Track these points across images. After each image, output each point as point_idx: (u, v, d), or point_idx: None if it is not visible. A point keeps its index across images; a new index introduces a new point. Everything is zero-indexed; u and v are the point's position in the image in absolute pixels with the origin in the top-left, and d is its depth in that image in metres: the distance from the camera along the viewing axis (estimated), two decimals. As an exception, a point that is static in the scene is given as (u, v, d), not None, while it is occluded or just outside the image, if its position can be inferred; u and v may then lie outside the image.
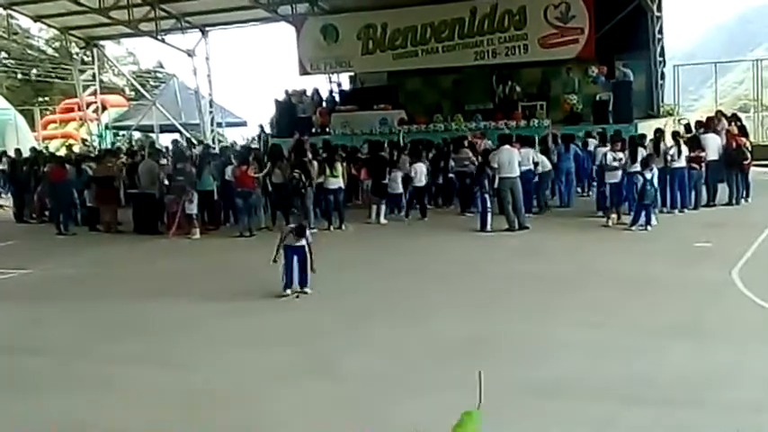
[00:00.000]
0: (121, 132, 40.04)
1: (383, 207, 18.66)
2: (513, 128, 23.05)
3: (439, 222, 18.14)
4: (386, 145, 21.72)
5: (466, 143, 20.13)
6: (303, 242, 11.39)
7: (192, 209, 17.78)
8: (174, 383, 8.08)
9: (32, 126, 40.83)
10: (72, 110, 39.64)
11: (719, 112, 22.44)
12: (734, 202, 18.13)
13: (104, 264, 15.68)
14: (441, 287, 11.93)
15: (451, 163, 19.83)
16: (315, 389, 7.71)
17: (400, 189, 18.87)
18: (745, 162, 18.34)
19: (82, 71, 35.22)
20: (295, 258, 11.42)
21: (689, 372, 7.63)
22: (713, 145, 18.28)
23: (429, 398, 7.28)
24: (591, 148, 19.90)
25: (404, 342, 9.14)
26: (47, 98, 52.18)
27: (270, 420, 6.99)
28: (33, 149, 27.01)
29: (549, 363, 8.10)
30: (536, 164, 18.08)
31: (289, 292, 11.41)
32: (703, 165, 17.65)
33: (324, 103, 29.28)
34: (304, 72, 28.84)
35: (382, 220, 18.48)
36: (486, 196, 16.59)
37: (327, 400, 7.43)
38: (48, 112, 45.60)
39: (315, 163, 18.46)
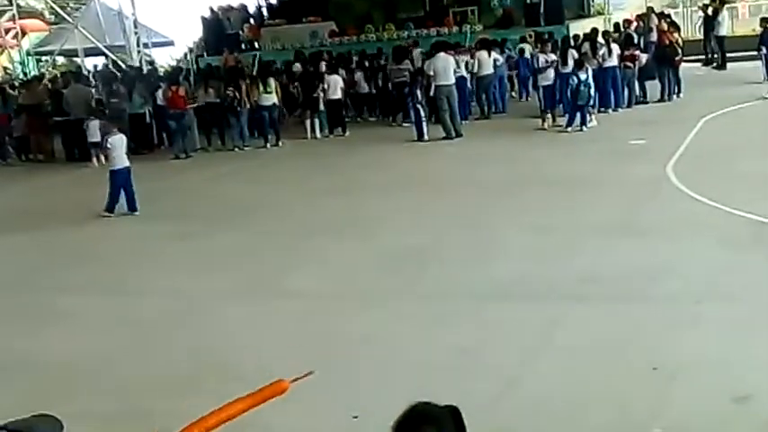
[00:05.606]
0: (44, 58, 38.69)
1: (317, 121, 18.37)
2: (445, 35, 22.78)
3: (375, 135, 17.97)
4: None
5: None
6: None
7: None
8: (122, 310, 8.00)
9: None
10: (-10, 37, 38.14)
11: (650, 9, 22.55)
12: (666, 98, 18.33)
13: (43, 193, 15.37)
14: (382, 200, 11.92)
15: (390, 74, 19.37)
16: (265, 307, 7.74)
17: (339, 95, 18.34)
18: (677, 58, 18.49)
19: (-4, -5, 33.78)
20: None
21: (631, 267, 7.81)
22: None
23: (378, 308, 7.36)
24: (527, 54, 19.76)
25: (350, 255, 9.18)
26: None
27: (222, 340, 6.97)
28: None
29: (494, 266, 8.21)
30: (471, 71, 17.99)
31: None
32: (637, 63, 17.75)
33: (252, 19, 28.57)
34: (230, -14, 28.00)
35: (317, 134, 18.25)
36: (419, 106, 16.50)
37: (278, 316, 7.46)
38: (-37, 41, 43.73)
39: (247, 80, 18.10)
